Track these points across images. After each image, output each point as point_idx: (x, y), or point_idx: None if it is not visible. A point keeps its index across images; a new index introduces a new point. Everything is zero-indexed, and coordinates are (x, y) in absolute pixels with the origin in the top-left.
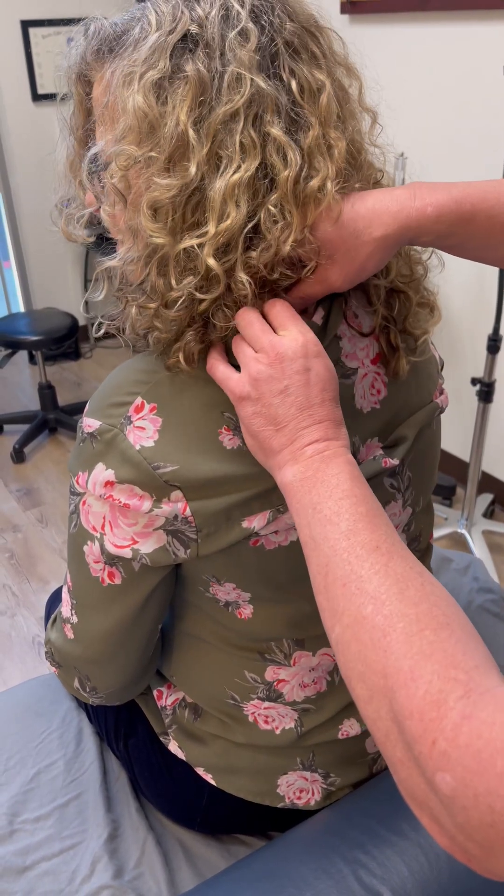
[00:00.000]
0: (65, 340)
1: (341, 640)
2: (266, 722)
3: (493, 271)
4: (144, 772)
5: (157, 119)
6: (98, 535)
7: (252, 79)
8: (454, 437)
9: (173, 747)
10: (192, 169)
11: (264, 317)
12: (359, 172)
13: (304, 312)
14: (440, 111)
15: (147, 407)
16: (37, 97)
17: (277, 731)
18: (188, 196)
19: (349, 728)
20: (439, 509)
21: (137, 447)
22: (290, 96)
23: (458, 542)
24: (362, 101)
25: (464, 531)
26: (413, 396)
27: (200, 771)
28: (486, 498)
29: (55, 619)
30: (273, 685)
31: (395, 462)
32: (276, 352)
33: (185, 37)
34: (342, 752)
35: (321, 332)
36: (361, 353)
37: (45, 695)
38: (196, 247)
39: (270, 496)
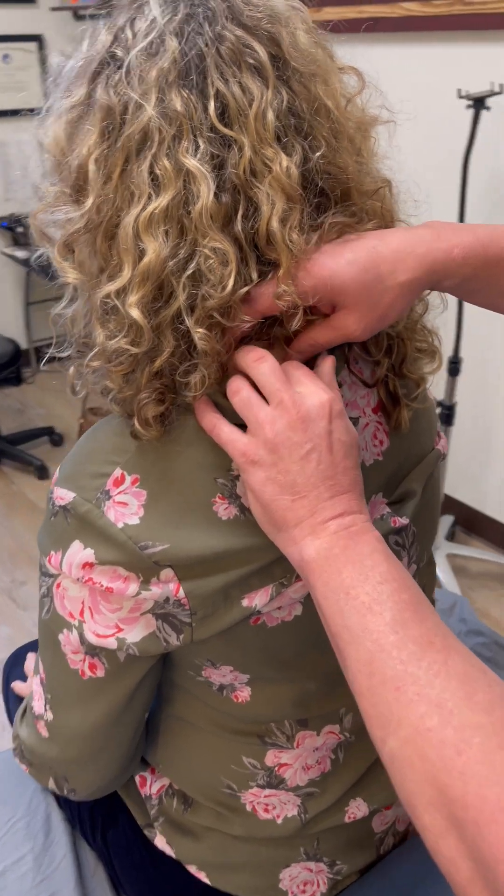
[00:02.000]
0: (6, 368)
1: (399, 757)
2: (266, 810)
3: None
4: (127, 868)
5: (65, 153)
6: (76, 623)
7: (159, 100)
8: None
9: (160, 842)
10: (88, 202)
11: None
12: (360, 197)
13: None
14: (393, 135)
15: (128, 479)
16: None
17: (279, 821)
18: (105, 234)
19: (356, 809)
20: None
21: (120, 525)
22: (211, 114)
23: None
24: (342, 111)
25: None
26: (415, 445)
27: (192, 869)
28: (447, 520)
29: (24, 713)
30: (274, 770)
31: (406, 522)
32: (298, 410)
33: (106, 60)
34: (349, 835)
35: None
36: (362, 402)
37: (6, 776)
38: (114, 294)
39: (272, 569)
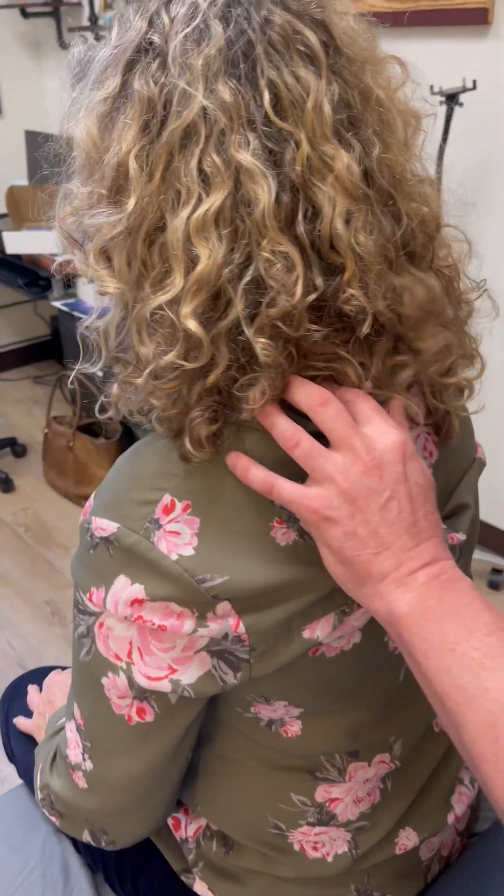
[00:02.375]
0: None
1: None
2: (315, 849)
3: None
4: None
5: (101, 149)
6: (123, 665)
7: (207, 90)
8: None
9: (201, 888)
10: (130, 204)
11: None
12: (403, 199)
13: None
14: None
15: (179, 506)
16: None
17: (329, 859)
18: (136, 237)
19: (406, 840)
20: None
21: (174, 557)
22: (263, 107)
23: None
24: (396, 103)
25: None
26: (460, 455)
27: None
28: None
29: (53, 761)
30: (325, 806)
31: (463, 538)
32: (372, 456)
33: (142, 48)
34: (398, 867)
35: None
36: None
37: (16, 820)
38: (165, 305)
39: (334, 597)
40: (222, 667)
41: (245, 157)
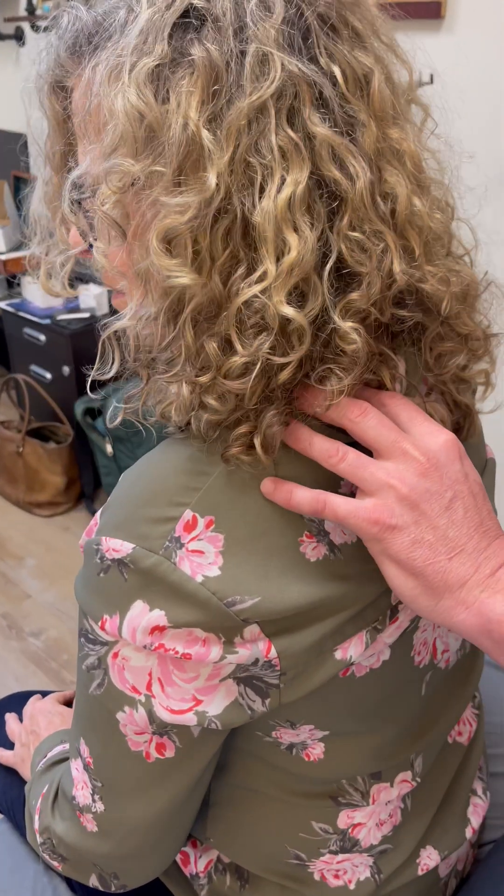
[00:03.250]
0: None
1: None
2: (337, 877)
3: None
4: None
5: (157, 121)
6: (142, 698)
7: (283, 61)
8: None
9: None
10: (212, 179)
11: None
12: (423, 191)
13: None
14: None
15: (202, 522)
16: None
17: (351, 886)
18: (214, 220)
19: (428, 859)
20: None
21: (199, 578)
22: (335, 85)
23: None
24: (413, 94)
25: None
26: (476, 455)
27: None
28: None
29: (54, 802)
30: (348, 833)
31: None
32: (427, 457)
33: (188, 12)
34: (419, 888)
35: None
36: (431, 410)
37: (1, 858)
38: (260, 294)
39: (366, 613)
40: (249, 694)
41: (327, 133)
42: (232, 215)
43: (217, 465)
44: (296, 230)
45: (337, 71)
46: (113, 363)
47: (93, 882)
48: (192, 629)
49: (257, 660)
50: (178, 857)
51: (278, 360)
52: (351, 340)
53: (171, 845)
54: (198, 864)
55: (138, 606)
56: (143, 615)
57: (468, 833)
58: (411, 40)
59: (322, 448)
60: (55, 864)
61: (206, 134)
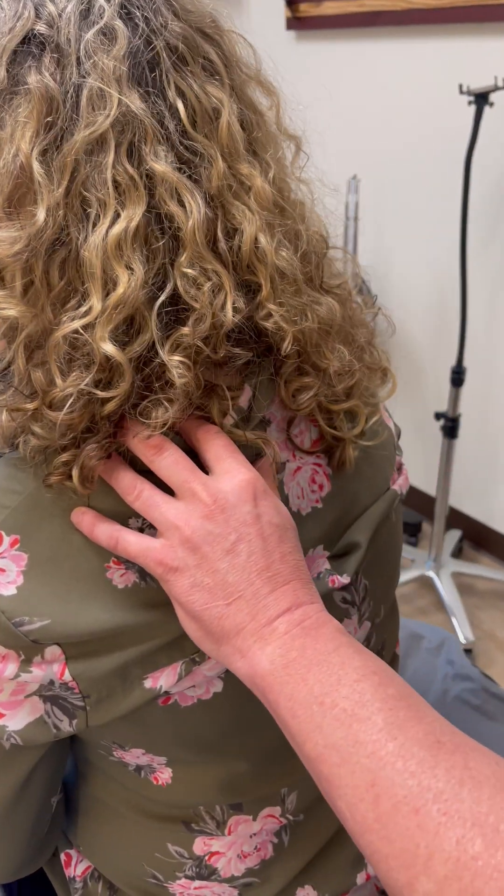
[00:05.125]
0: None
1: None
2: None
3: (455, 299)
4: None
5: None
6: None
7: (120, 96)
8: (418, 472)
9: None
10: (41, 214)
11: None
12: (283, 215)
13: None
14: (394, 131)
15: (7, 540)
16: None
17: None
18: (51, 251)
19: None
20: (405, 550)
21: None
22: (177, 121)
23: (426, 584)
24: (281, 125)
25: (431, 574)
26: (364, 486)
27: None
28: (454, 535)
29: None
30: (204, 860)
31: (346, 581)
32: (215, 498)
33: (28, 39)
34: None
35: (245, 416)
36: (296, 440)
37: None
38: (82, 330)
39: (182, 644)
40: (56, 713)
41: (165, 169)
42: (67, 248)
43: (29, 485)
44: (127, 266)
45: (180, 105)
46: None
47: None
48: None
49: (52, 681)
50: (63, 858)
51: (101, 394)
52: (179, 375)
53: (7, 849)
54: (77, 868)
55: None
56: None
57: (360, 879)
58: (488, 43)
59: (123, 484)
60: None
61: (36, 167)
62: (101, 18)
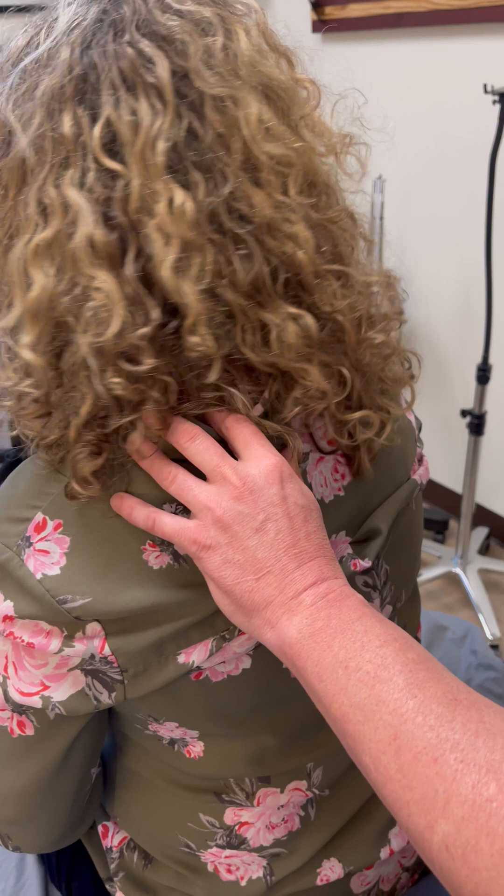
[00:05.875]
0: None
1: (458, 843)
2: (229, 871)
3: (480, 297)
4: None
5: None
6: (0, 679)
7: (48, 120)
8: (444, 469)
9: None
10: None
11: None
12: (266, 241)
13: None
14: (419, 131)
15: (50, 524)
16: None
17: (243, 882)
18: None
19: (330, 871)
20: (432, 547)
21: (38, 576)
22: (92, 146)
23: (453, 581)
24: (261, 136)
25: (458, 570)
26: (386, 475)
27: None
28: (481, 532)
29: None
30: (234, 830)
31: (367, 564)
32: (243, 481)
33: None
34: None
35: (270, 409)
36: (318, 433)
37: None
38: (7, 332)
39: (213, 622)
40: (97, 686)
41: (72, 194)
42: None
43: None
44: (42, 272)
45: (98, 132)
46: None
47: None
48: (37, 621)
49: (93, 655)
50: (100, 830)
51: (37, 392)
52: (113, 387)
53: (50, 819)
54: (114, 839)
55: None
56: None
57: (384, 853)
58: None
59: (159, 471)
60: None
61: None
62: (48, 42)
